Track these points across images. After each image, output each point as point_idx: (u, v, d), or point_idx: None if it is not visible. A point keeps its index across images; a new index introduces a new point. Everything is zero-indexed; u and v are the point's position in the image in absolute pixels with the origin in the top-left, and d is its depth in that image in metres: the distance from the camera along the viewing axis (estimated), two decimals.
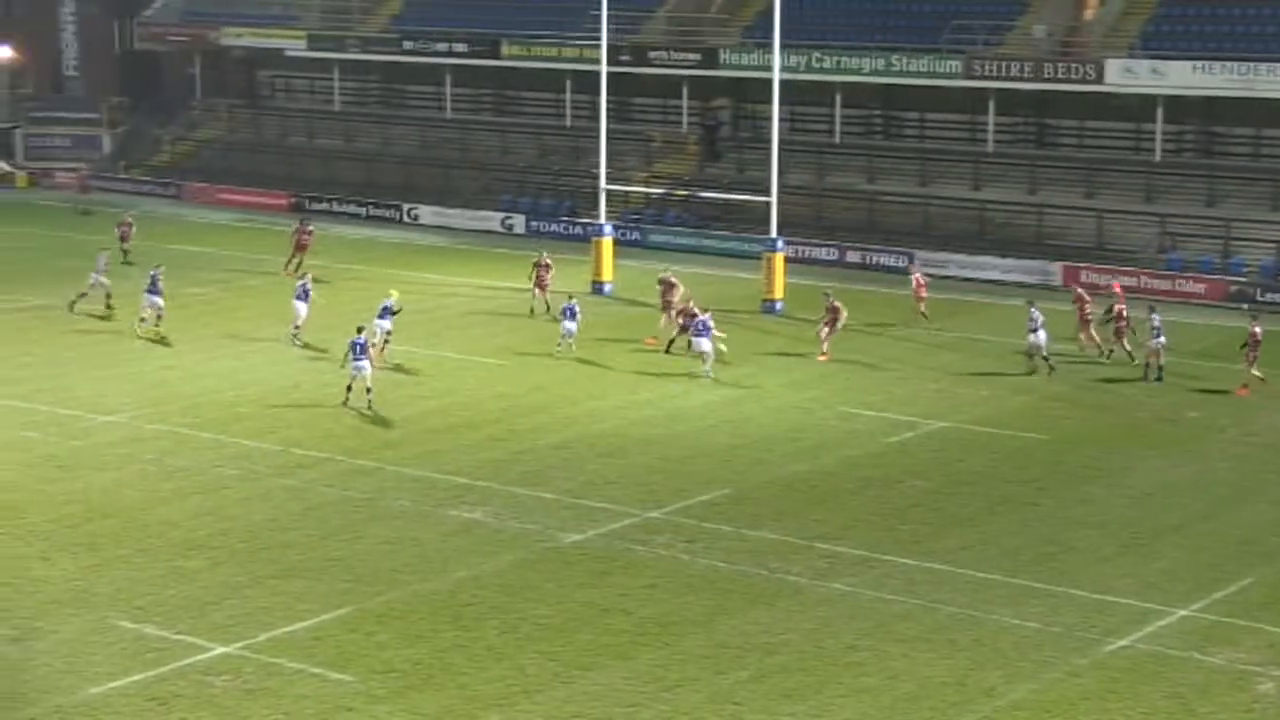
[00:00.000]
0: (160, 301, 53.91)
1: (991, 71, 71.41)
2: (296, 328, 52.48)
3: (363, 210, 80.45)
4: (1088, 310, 52.57)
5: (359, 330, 46.11)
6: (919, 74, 73.01)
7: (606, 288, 61.21)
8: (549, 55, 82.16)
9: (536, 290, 57.22)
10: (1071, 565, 34.20)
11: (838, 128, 76.95)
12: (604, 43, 63.81)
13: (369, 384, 45.17)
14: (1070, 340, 52.54)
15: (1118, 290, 55.08)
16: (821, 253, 68.84)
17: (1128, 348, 51.20)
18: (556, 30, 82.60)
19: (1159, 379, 49.14)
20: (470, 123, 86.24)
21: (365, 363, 45.08)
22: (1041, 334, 50.19)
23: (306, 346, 52.02)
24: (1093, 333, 52.41)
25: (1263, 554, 35.16)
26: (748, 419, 45.18)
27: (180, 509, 37.01)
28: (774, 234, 60.01)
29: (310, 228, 65.38)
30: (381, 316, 49.83)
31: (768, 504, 37.90)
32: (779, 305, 58.47)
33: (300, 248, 63.83)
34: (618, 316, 57.59)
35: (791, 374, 50.32)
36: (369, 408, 44.98)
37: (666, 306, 52.97)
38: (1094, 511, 37.74)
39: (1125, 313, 51.68)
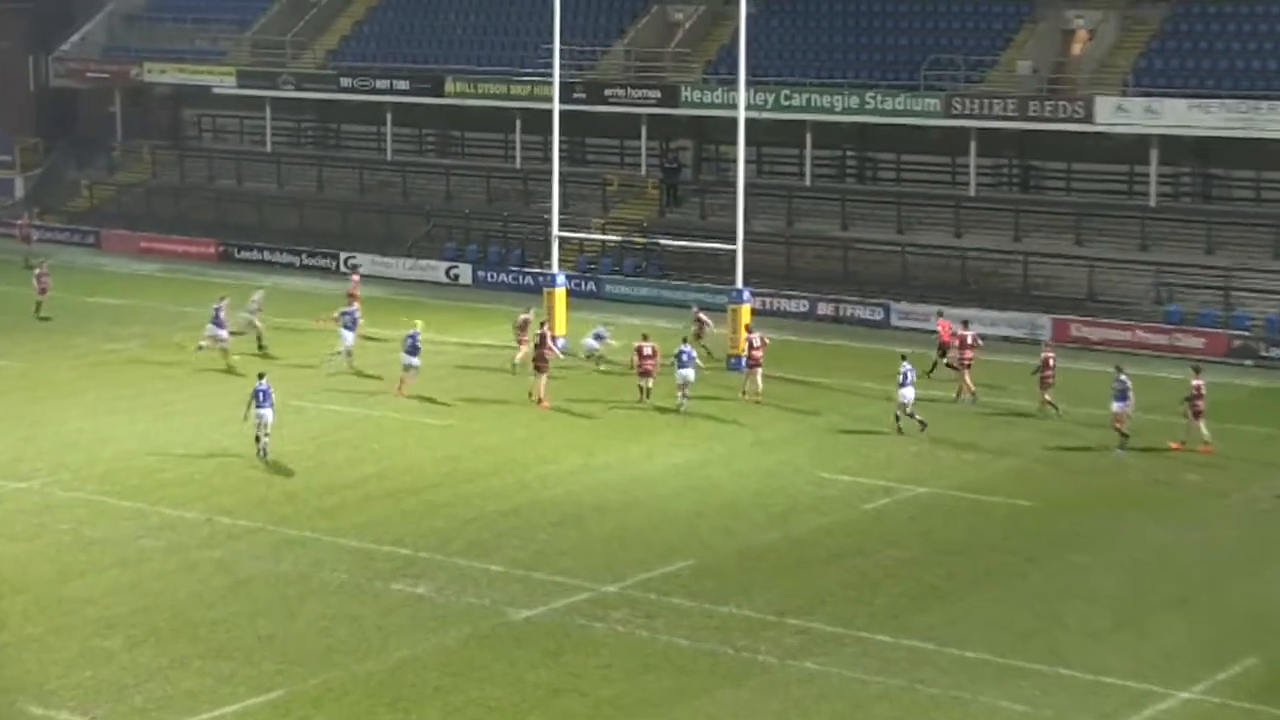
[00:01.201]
0: (224, 334, 57.73)
1: (973, 110, 71.74)
2: (343, 354, 57.39)
3: (296, 259, 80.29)
4: (967, 355, 54.38)
5: (260, 376, 46.98)
6: (895, 113, 73.29)
7: (560, 343, 61.06)
8: (497, 93, 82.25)
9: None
10: (1062, 642, 34.17)
11: (808, 170, 77.17)
12: (556, 79, 63.88)
13: (268, 432, 46.20)
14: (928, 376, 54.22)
15: (942, 327, 57.16)
16: (791, 304, 68.92)
17: (1047, 398, 52.30)
18: (505, 66, 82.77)
19: (1121, 448, 48.67)
20: (412, 165, 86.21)
21: (268, 410, 46.20)
22: (909, 390, 50.31)
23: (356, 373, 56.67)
24: (968, 380, 54.04)
25: (1270, 630, 35.18)
26: (713, 484, 45.13)
27: (97, 584, 36.75)
28: (739, 284, 60.08)
29: (356, 276, 66.55)
30: (410, 351, 53.32)
31: (734, 576, 37.81)
32: (746, 361, 58.40)
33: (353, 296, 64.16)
34: (572, 375, 57.51)
35: (760, 435, 50.31)
36: (261, 455, 45.95)
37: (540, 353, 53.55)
38: (1086, 583, 37.74)
39: (1053, 362, 52.56)
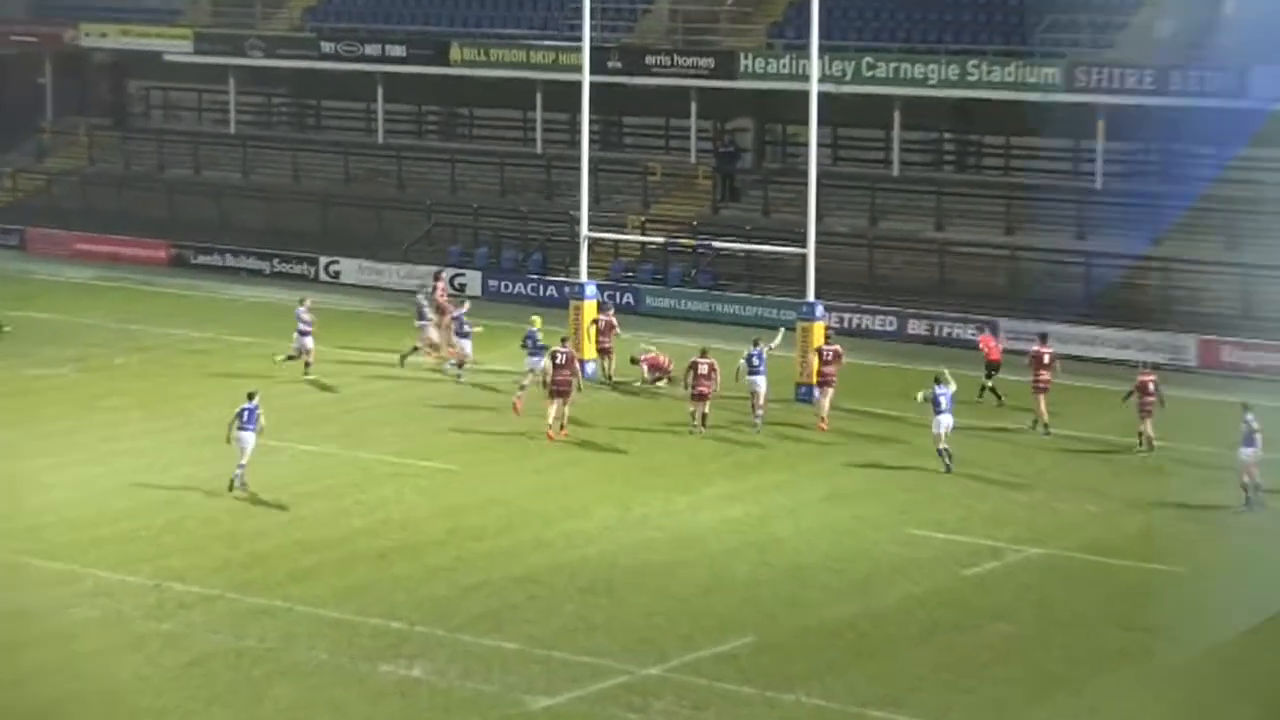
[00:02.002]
0: (309, 342, 60.59)
1: (1100, 82, 71.68)
2: (467, 365, 61.04)
3: (266, 264, 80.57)
4: (1043, 376, 55.57)
5: (250, 396, 47.82)
6: (1004, 85, 73.26)
7: (589, 368, 61.22)
8: (513, 61, 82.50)
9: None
10: None
11: (895, 156, 77.27)
12: (586, 44, 63.90)
13: (245, 460, 47.17)
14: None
15: (985, 345, 59.08)
16: (874, 321, 68.94)
17: (1149, 432, 53.25)
18: (524, 28, 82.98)
19: (1248, 502, 48.37)
20: (409, 150, 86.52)
21: (250, 434, 47.26)
22: (947, 418, 51.10)
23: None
24: (1043, 407, 55.42)
25: None
26: (777, 542, 45.15)
27: (20, 663, 36.84)
28: (811, 297, 60.07)
29: (440, 283, 67.37)
30: (533, 352, 56.43)
31: (802, 657, 37.80)
32: (818, 391, 58.38)
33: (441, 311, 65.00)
34: (604, 405, 57.60)
35: (835, 483, 50.33)
36: (234, 486, 47.02)
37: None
38: (1235, 667, 37.66)
39: (1154, 386, 53.33)
